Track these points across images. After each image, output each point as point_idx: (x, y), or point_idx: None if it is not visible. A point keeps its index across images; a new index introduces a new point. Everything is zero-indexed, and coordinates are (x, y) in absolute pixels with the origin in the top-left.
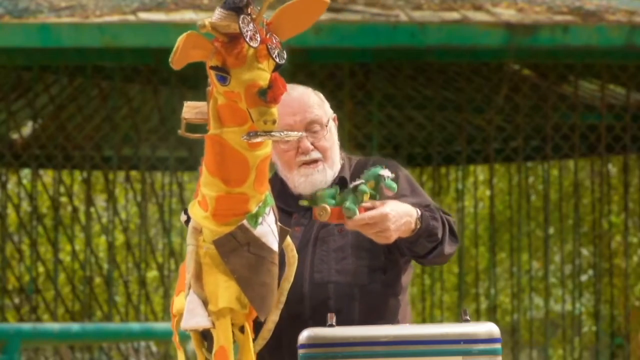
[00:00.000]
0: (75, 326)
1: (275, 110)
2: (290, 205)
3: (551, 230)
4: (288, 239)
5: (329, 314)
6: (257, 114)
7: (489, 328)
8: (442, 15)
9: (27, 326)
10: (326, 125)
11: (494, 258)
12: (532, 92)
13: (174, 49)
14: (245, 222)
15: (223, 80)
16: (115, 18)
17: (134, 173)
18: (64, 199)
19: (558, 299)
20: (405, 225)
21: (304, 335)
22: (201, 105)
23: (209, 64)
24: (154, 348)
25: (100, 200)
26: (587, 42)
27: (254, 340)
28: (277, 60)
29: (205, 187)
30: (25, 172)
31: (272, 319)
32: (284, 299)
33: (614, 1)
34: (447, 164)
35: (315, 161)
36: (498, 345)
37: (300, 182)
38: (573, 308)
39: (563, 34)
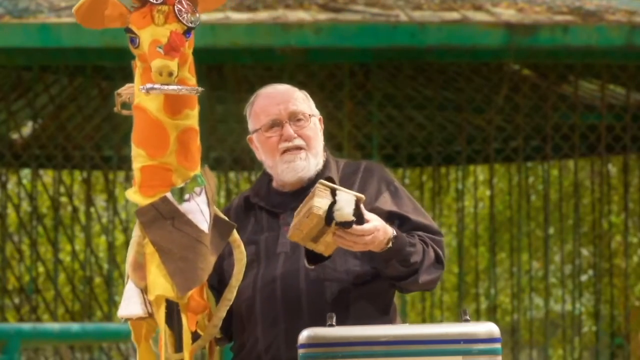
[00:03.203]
0: (75, 326)
1: (172, 63)
2: (277, 206)
3: (551, 230)
4: (235, 234)
5: (328, 314)
6: (154, 67)
7: (489, 328)
8: (442, 15)
9: (27, 326)
10: (310, 117)
11: (494, 258)
12: (532, 92)
13: (80, 2)
14: (168, 194)
15: (133, 41)
16: None
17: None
18: (64, 199)
19: (558, 299)
20: (381, 239)
21: (304, 335)
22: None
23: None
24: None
25: (100, 200)
26: (587, 42)
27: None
28: (185, 22)
29: (133, 161)
30: (25, 172)
31: (219, 316)
32: (231, 296)
33: (614, 1)
34: (447, 164)
35: (298, 148)
36: (498, 345)
37: (283, 168)
38: (573, 308)
39: (563, 34)
